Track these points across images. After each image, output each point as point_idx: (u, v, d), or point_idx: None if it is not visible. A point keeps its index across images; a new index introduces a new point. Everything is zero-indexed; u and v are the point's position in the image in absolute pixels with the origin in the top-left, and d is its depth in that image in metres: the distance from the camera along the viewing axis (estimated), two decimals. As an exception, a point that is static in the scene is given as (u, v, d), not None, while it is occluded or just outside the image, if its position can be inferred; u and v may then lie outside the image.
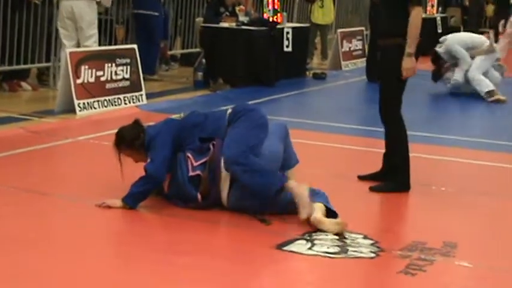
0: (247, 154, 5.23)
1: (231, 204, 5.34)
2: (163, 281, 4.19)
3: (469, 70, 12.10)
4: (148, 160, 5.42)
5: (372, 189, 6.19)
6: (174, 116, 5.68)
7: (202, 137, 5.48)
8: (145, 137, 5.51)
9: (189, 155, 5.43)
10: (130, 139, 5.57)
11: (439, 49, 12.53)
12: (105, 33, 11.65)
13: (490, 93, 11.92)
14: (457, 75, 12.24)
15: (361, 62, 15.03)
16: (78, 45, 9.90)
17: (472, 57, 12.19)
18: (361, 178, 6.48)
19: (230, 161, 5.24)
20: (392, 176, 6.25)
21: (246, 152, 5.24)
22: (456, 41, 12.45)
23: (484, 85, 12.00)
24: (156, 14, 12.01)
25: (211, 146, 5.42)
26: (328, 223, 5.07)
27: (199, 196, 5.35)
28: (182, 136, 5.49)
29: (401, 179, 6.22)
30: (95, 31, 10.04)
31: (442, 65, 12.50)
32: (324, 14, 16.06)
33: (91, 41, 9.90)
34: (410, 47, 5.95)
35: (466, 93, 12.15)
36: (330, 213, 5.22)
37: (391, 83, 6.11)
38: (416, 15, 5.95)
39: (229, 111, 5.59)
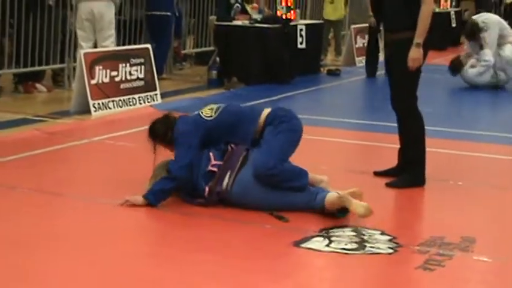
0: (279, 165, 5.31)
1: (234, 192, 5.35)
2: (180, 278, 4.20)
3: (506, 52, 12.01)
4: (173, 159, 5.45)
5: (388, 185, 6.17)
6: (205, 113, 5.59)
7: (228, 141, 5.54)
8: (174, 131, 5.53)
9: (211, 154, 5.47)
10: (161, 134, 5.61)
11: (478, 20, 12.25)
12: (119, 33, 11.66)
13: None
14: (488, 56, 12.01)
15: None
16: (95, 46, 9.95)
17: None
18: (377, 174, 6.46)
19: (262, 172, 5.30)
20: (408, 171, 6.21)
21: (278, 165, 5.31)
22: (497, 21, 12.26)
23: None
24: (169, 14, 12.02)
25: (229, 149, 5.48)
26: (356, 204, 5.11)
27: (207, 189, 5.37)
28: (211, 137, 5.52)
29: (416, 173, 6.18)
30: (113, 31, 10.12)
31: (480, 39, 12.13)
32: (334, 9, 16.03)
33: (109, 41, 9.95)
34: (418, 38, 5.93)
35: (483, 86, 12.09)
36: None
37: (406, 77, 6.07)
38: (428, 7, 5.93)
39: (267, 112, 5.55)
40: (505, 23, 12.49)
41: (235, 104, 5.90)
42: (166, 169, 5.45)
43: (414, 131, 6.20)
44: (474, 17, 12.61)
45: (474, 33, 12.13)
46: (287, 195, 5.34)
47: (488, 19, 12.25)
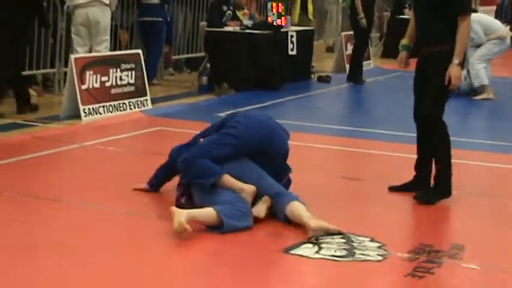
0: (191, 159, 5.42)
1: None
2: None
3: (471, 57, 11.78)
4: None
5: (417, 200, 6.02)
6: None
7: None
8: None
9: None
10: None
11: None
12: (110, 38, 11.63)
13: (482, 88, 11.83)
14: None
15: (367, 65, 15.01)
16: (90, 51, 9.96)
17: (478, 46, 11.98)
18: (393, 189, 6.30)
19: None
20: (439, 184, 6.10)
21: (190, 159, 5.43)
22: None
23: (480, 77, 11.84)
24: (160, 19, 12.03)
25: None
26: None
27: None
28: None
29: (446, 185, 6.09)
30: (108, 37, 10.15)
31: None
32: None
33: (103, 46, 10.00)
34: (460, 56, 5.90)
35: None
36: None
37: (443, 90, 6.01)
38: (467, 26, 5.92)
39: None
40: (488, 21, 12.18)
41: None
42: None
43: (442, 144, 6.08)
44: None
45: None
46: (208, 197, 5.32)
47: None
